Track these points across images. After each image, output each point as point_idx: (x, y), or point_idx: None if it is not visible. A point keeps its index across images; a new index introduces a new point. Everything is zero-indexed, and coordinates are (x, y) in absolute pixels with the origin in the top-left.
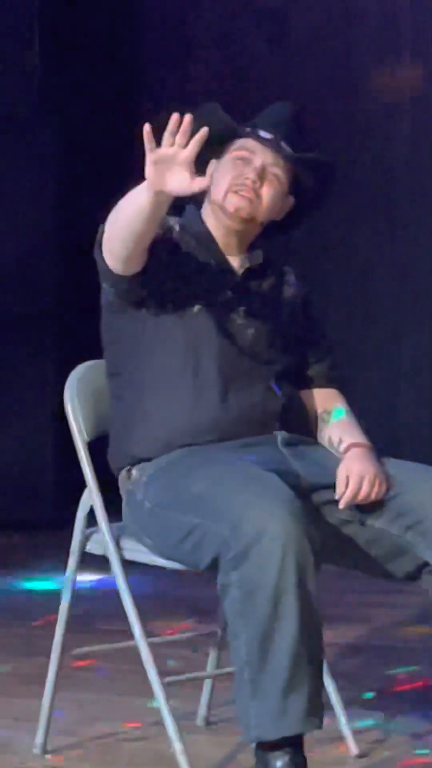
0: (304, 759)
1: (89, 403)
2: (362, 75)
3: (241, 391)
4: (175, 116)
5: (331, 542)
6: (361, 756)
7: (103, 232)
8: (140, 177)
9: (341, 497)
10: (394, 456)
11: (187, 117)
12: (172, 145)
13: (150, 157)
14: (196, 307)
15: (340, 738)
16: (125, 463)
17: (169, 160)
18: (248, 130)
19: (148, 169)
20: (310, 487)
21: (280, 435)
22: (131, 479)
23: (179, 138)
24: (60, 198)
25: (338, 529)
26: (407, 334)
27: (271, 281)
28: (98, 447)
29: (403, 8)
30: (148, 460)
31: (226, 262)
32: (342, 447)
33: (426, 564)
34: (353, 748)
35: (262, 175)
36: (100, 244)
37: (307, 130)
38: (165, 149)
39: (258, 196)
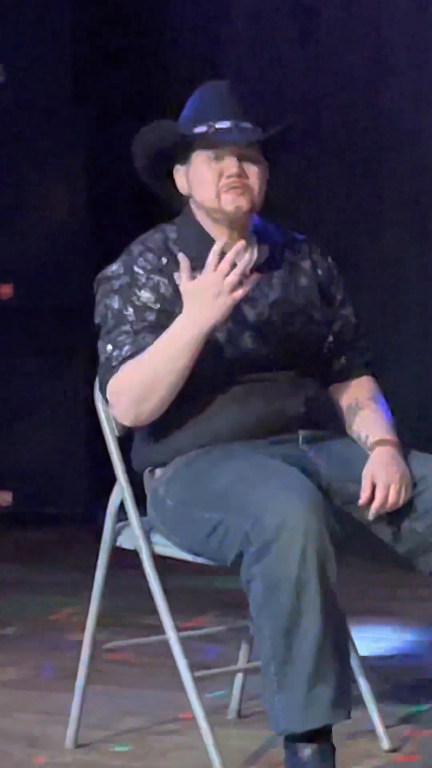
0: (333, 748)
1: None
2: (393, 70)
3: (261, 399)
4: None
5: (356, 538)
6: (392, 750)
7: (105, 383)
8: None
9: (366, 504)
10: (427, 447)
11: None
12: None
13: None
14: None
15: (371, 732)
16: (147, 464)
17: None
18: (204, 128)
19: (217, 304)
20: (333, 484)
21: (302, 433)
22: (154, 478)
23: (224, 265)
24: (91, 192)
25: (362, 526)
26: None
27: (282, 274)
28: (129, 442)
29: None
30: (168, 461)
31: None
32: (368, 443)
33: None
34: (384, 742)
35: (242, 164)
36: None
37: (245, 99)
38: (212, 278)
39: (248, 185)
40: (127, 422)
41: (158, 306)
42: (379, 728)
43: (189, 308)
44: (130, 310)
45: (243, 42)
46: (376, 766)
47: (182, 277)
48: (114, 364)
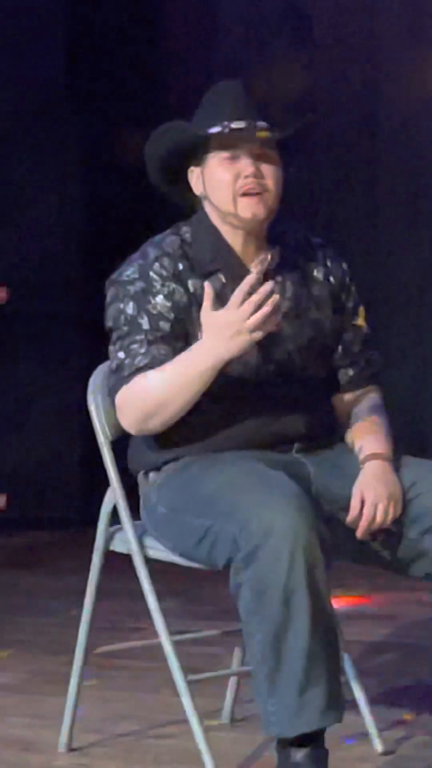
0: (326, 752)
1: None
2: (386, 69)
3: (261, 418)
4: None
5: (348, 544)
6: (385, 753)
7: (116, 390)
8: None
9: (354, 521)
10: (421, 451)
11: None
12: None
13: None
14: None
15: (365, 735)
16: (142, 467)
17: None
18: (219, 128)
19: (236, 341)
20: (323, 488)
21: (297, 444)
22: (148, 482)
23: (248, 307)
24: (86, 195)
25: (353, 531)
26: None
27: (295, 283)
28: (123, 446)
29: (429, 1)
30: (162, 466)
31: (246, 272)
32: (361, 457)
33: None
34: (378, 745)
35: (258, 165)
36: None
37: (260, 97)
38: (234, 314)
39: (265, 187)
40: (132, 432)
41: (172, 315)
42: (373, 731)
43: (207, 340)
44: (145, 318)
45: (238, 44)
46: None
47: (205, 307)
48: (126, 373)
